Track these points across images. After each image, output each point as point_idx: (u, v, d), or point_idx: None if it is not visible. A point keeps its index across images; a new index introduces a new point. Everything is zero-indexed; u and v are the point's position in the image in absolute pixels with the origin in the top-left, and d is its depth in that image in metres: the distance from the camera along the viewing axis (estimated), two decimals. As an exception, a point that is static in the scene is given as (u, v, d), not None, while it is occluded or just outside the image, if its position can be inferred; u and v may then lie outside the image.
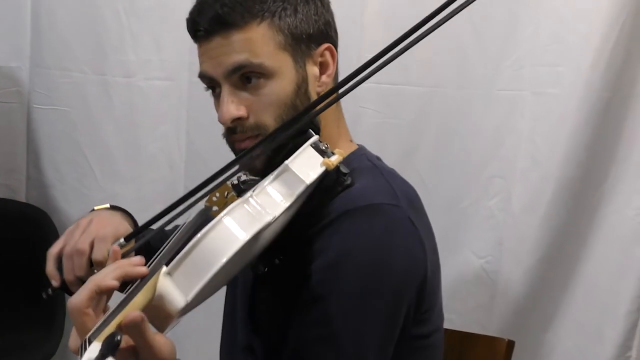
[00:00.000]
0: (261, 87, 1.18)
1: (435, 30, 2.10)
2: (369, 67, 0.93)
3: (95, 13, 2.12)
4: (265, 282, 1.21)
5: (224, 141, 2.12)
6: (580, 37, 1.93)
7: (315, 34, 1.21)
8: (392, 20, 1.98)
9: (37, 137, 2.22)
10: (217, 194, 1.25)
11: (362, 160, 1.25)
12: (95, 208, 1.33)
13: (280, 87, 1.18)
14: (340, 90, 0.98)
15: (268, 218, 0.96)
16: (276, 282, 1.16)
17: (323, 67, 1.24)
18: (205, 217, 1.09)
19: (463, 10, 2.15)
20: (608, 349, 1.99)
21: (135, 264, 0.95)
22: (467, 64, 2.02)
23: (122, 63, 2.13)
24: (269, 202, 1.01)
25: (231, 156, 2.11)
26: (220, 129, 2.10)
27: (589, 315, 2.00)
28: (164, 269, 0.89)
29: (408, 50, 2.02)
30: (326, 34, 1.24)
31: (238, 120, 1.19)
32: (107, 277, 0.93)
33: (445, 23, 2.07)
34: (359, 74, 0.93)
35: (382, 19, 2.00)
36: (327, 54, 1.23)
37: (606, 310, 1.99)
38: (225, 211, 0.92)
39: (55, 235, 2.22)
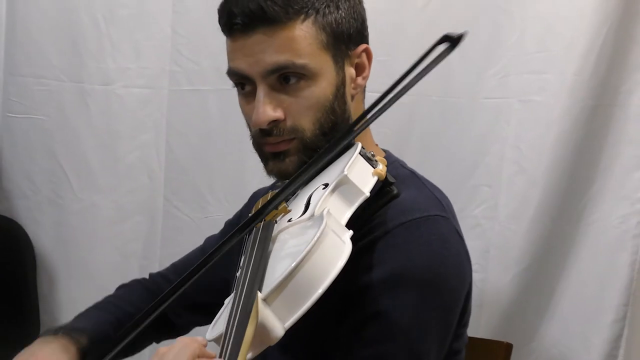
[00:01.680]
0: (301, 89, 1.16)
1: (420, 38, 2.17)
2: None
3: (72, 19, 2.14)
4: None
5: (204, 150, 2.19)
6: (565, 45, 1.98)
7: (354, 34, 1.20)
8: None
9: (10, 146, 2.23)
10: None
11: (397, 168, 1.24)
12: (42, 337, 1.26)
13: (321, 89, 1.16)
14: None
15: (347, 235, 0.95)
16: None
17: (359, 68, 1.23)
18: (269, 232, 1.06)
19: (448, 20, 2.23)
20: (594, 358, 2.03)
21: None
22: (451, 72, 2.06)
23: (100, 70, 2.15)
24: (340, 217, 1.00)
25: (214, 165, 2.17)
26: (200, 137, 2.17)
27: (575, 324, 2.05)
28: (259, 295, 0.88)
29: (393, 59, 2.09)
30: (362, 33, 1.23)
31: (274, 122, 1.16)
32: None
33: (428, 33, 2.14)
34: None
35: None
36: (364, 55, 1.22)
37: (592, 319, 2.03)
38: (316, 236, 0.90)
39: (30, 248, 2.24)
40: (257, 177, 2.09)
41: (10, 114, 2.22)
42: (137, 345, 1.44)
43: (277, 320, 0.87)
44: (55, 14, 2.16)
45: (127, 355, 1.38)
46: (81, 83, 2.17)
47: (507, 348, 1.60)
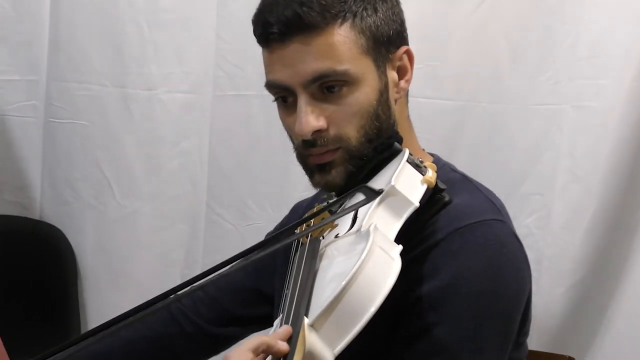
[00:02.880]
0: (344, 96, 1.14)
1: (469, 43, 2.18)
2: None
3: (115, 24, 2.17)
4: None
5: (247, 156, 2.20)
6: (621, 50, 1.97)
7: (393, 36, 1.19)
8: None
9: (52, 152, 2.27)
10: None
11: (447, 172, 1.22)
12: None
13: (364, 95, 1.15)
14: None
15: (396, 251, 0.93)
16: None
17: (401, 71, 1.21)
18: (315, 249, 1.05)
19: (498, 24, 2.23)
20: (651, 375, 2.01)
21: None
22: (501, 78, 2.07)
23: (143, 75, 2.18)
24: (388, 230, 0.98)
25: (258, 172, 2.18)
26: (243, 143, 2.19)
27: (630, 340, 2.02)
28: (306, 321, 0.86)
29: (441, 64, 2.10)
30: (402, 35, 1.21)
31: (317, 132, 1.15)
32: None
33: (478, 37, 2.13)
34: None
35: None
36: (405, 57, 1.21)
37: (649, 334, 2.00)
38: (362, 256, 0.88)
39: (71, 255, 2.27)
40: (302, 184, 2.09)
41: (52, 119, 2.25)
42: None
43: (325, 346, 0.85)
44: (98, 19, 2.19)
45: None
46: (124, 88, 2.19)
47: (569, 362, 1.55)
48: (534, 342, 2.04)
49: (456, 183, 1.18)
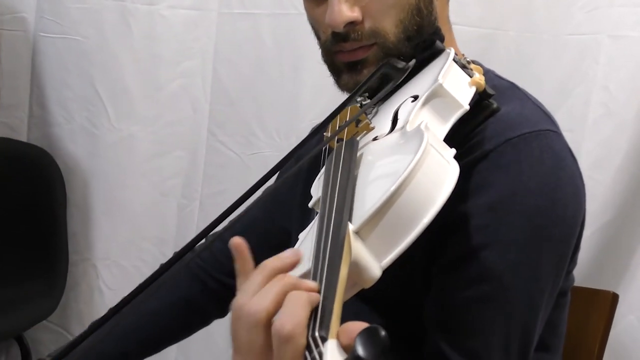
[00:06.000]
0: None
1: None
2: None
3: None
4: None
5: (254, 80, 2.19)
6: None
7: None
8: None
9: (43, 69, 2.26)
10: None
11: (493, 78, 1.15)
12: None
13: None
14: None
15: (450, 154, 0.86)
16: None
17: None
18: (353, 151, 0.98)
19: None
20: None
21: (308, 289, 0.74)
22: (532, 6, 2.04)
23: (144, -13, 2.15)
24: (437, 131, 0.93)
25: (265, 97, 2.17)
26: (250, 65, 2.18)
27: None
28: (351, 227, 0.78)
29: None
30: None
31: (351, 24, 1.10)
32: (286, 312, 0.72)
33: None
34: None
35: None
36: None
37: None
38: (418, 154, 0.80)
39: (60, 181, 2.27)
40: (313, 110, 2.11)
41: (43, 34, 2.25)
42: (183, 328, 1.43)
43: (372, 257, 0.78)
44: None
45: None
46: (122, 1, 2.18)
47: (614, 298, 1.50)
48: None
49: (505, 90, 1.13)
